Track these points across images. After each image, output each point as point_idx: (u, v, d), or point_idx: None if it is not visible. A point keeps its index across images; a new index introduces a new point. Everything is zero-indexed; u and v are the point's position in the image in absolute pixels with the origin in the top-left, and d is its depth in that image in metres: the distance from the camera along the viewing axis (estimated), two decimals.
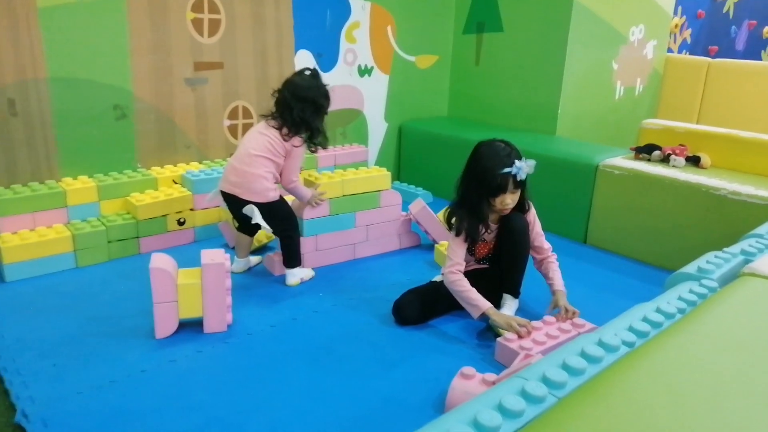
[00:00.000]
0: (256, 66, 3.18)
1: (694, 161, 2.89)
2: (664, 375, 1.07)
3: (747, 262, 1.69)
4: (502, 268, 2.14)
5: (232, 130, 3.18)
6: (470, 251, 2.13)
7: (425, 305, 2.09)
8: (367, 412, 1.60)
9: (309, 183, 2.55)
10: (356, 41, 3.59)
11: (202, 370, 1.78)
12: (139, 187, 2.74)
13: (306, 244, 2.48)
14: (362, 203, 2.63)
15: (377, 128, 3.89)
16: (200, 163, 3.05)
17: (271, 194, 2.29)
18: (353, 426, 1.54)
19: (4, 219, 2.40)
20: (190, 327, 1.98)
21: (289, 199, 2.49)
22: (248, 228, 2.41)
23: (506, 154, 1.94)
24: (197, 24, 2.92)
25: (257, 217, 2.26)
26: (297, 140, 2.31)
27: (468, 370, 1.58)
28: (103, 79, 2.69)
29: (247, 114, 3.21)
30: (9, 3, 2.39)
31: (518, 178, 1.92)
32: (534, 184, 2.08)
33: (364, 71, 3.69)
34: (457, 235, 2.04)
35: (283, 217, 2.35)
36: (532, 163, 1.95)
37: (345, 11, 3.50)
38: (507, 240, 2.09)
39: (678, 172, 2.71)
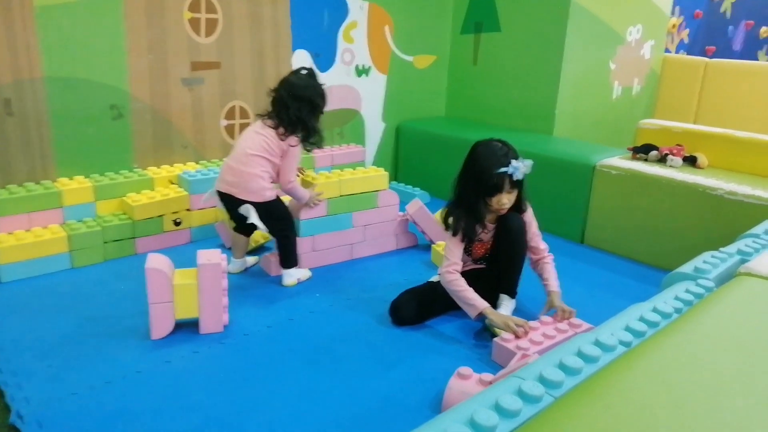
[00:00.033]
0: (254, 66, 3.18)
1: (691, 161, 2.89)
2: (660, 374, 1.07)
3: (743, 261, 1.69)
4: (499, 268, 2.14)
5: (229, 130, 3.18)
6: (467, 251, 2.12)
7: (422, 305, 2.09)
8: (364, 412, 1.60)
9: (306, 183, 2.54)
10: (354, 41, 3.59)
11: (198, 370, 1.78)
12: (136, 187, 2.73)
13: (303, 245, 2.48)
14: (359, 203, 2.63)
15: (375, 128, 3.88)
16: (197, 163, 3.04)
17: (268, 194, 2.29)
18: (350, 426, 1.54)
19: (0, 219, 2.39)
20: (186, 328, 1.97)
21: (286, 199, 2.48)
22: (245, 228, 2.41)
23: (503, 153, 1.94)
24: (194, 24, 2.91)
25: (253, 217, 2.25)
26: (293, 139, 2.31)
27: (465, 370, 1.58)
28: (99, 79, 2.68)
29: (244, 114, 3.21)
30: (5, 2, 2.38)
31: (514, 178, 1.92)
32: (531, 184, 2.08)
33: (361, 71, 3.69)
34: (454, 234, 2.04)
35: (279, 217, 2.34)
36: (528, 163, 1.95)
37: (342, 11, 3.49)
38: (504, 240, 2.08)
39: (675, 172, 2.71)
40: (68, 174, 2.68)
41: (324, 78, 3.35)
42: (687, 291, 1.48)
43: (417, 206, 2.75)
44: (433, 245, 2.69)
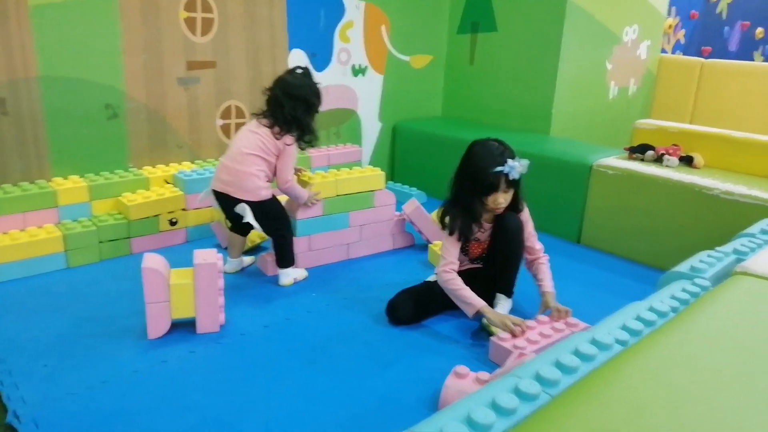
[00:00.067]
0: (249, 65, 3.17)
1: (687, 161, 2.90)
2: (656, 373, 1.07)
3: (739, 261, 1.70)
4: (496, 268, 2.14)
5: (225, 129, 3.17)
6: (464, 251, 2.12)
7: (419, 305, 2.09)
8: (361, 411, 1.59)
9: (303, 183, 2.54)
10: (350, 41, 3.59)
11: (194, 370, 1.77)
12: (131, 187, 2.72)
13: (299, 244, 2.48)
14: (356, 203, 2.63)
15: (371, 128, 3.88)
16: (192, 162, 3.04)
17: (263, 192, 2.28)
18: (348, 425, 1.54)
19: None
20: (183, 327, 1.97)
21: (282, 199, 2.48)
22: (241, 228, 2.40)
23: (499, 153, 1.94)
24: (190, 23, 2.91)
25: (249, 216, 2.25)
26: (289, 138, 2.31)
27: (462, 369, 1.58)
28: (94, 78, 2.67)
29: (239, 113, 3.20)
30: (0, 2, 2.37)
31: (510, 177, 1.92)
32: (528, 184, 2.08)
33: (358, 71, 3.69)
34: (451, 234, 2.04)
35: (275, 216, 2.34)
36: (525, 162, 1.95)
37: (339, 10, 3.49)
38: (501, 239, 2.08)
39: (671, 172, 2.72)
40: (63, 173, 2.68)
41: (320, 78, 3.35)
42: (683, 290, 1.48)
43: (414, 206, 2.75)
44: (429, 245, 2.69)
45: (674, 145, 2.99)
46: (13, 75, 2.46)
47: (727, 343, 1.19)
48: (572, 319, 1.97)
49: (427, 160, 3.73)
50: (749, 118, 4.09)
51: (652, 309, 1.36)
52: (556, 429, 0.90)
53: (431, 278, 2.21)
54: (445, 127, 3.80)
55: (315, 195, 2.47)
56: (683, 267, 1.66)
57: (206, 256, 1.94)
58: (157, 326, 1.92)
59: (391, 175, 4.00)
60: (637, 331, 1.26)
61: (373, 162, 3.89)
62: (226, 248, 2.59)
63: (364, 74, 3.72)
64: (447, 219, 2.06)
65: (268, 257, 2.45)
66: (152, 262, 1.89)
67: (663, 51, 5.28)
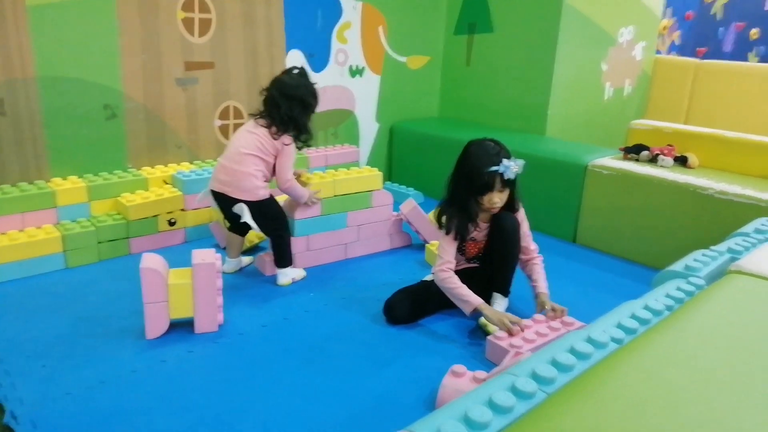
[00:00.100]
0: (247, 66, 3.18)
1: (681, 161, 2.92)
2: (651, 371, 1.08)
3: (734, 260, 1.71)
4: (492, 267, 2.15)
5: (223, 130, 3.18)
6: (460, 250, 2.14)
7: (416, 304, 2.10)
8: (359, 410, 1.60)
9: (302, 183, 2.55)
10: (347, 41, 3.60)
11: (193, 370, 1.78)
12: (130, 187, 2.73)
13: (297, 244, 2.48)
14: (353, 203, 2.64)
15: (368, 129, 3.89)
16: (191, 163, 3.04)
17: (261, 192, 2.29)
18: (345, 425, 1.55)
19: None
20: (181, 327, 1.97)
21: (280, 199, 2.49)
22: (239, 228, 2.41)
23: (495, 153, 1.95)
24: (188, 23, 2.91)
25: (246, 216, 2.26)
26: (286, 138, 2.32)
27: (459, 368, 1.59)
28: (93, 79, 2.68)
29: (238, 114, 3.21)
30: None
31: (505, 177, 1.94)
32: (524, 184, 2.10)
33: (355, 72, 3.69)
34: (447, 233, 2.05)
35: (273, 216, 2.35)
36: (520, 162, 1.96)
37: (336, 11, 3.50)
38: (498, 239, 2.10)
39: (666, 172, 2.73)
40: (62, 174, 2.68)
41: (318, 78, 3.37)
42: (678, 289, 1.50)
43: (411, 206, 2.76)
44: (426, 245, 2.70)
45: (669, 145, 3.01)
46: (10, 75, 2.46)
47: (722, 341, 1.21)
48: (568, 318, 1.99)
49: (424, 160, 3.74)
50: (743, 119, 4.11)
51: (647, 307, 1.38)
52: (553, 427, 0.92)
53: (428, 278, 2.22)
54: (441, 127, 3.82)
55: (316, 194, 2.48)
56: (678, 266, 1.68)
57: (205, 256, 1.95)
58: (155, 326, 1.92)
59: (389, 176, 4.01)
60: (632, 329, 1.28)
61: (371, 162, 3.90)
62: (224, 248, 2.59)
63: (361, 75, 3.73)
64: (444, 218, 2.07)
65: (267, 257, 2.46)
66: (151, 262, 1.89)
67: (658, 52, 5.30)
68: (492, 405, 0.98)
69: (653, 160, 2.94)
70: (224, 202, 2.31)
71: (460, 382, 1.56)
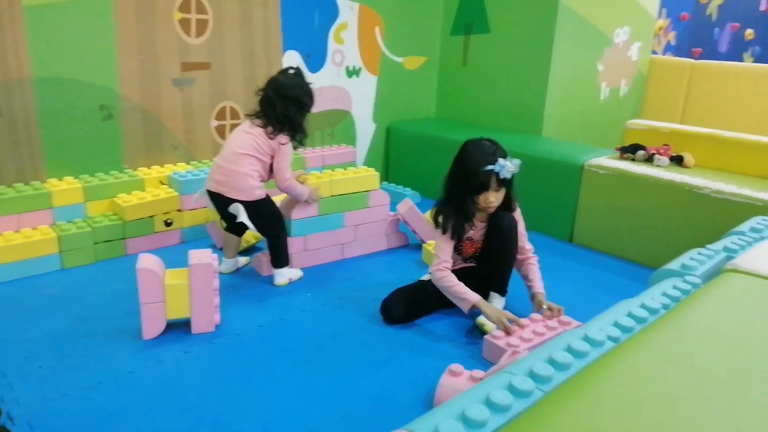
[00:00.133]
0: (244, 67, 3.18)
1: (677, 161, 2.93)
2: (648, 369, 1.08)
3: (729, 258, 1.72)
4: (490, 267, 2.15)
5: (220, 130, 3.18)
6: (457, 250, 2.14)
7: (413, 304, 2.10)
8: (356, 410, 1.60)
9: (301, 182, 2.54)
10: (344, 42, 3.60)
11: (190, 370, 1.78)
12: (126, 188, 2.72)
13: (294, 245, 2.48)
14: (351, 203, 2.64)
15: (365, 129, 3.89)
16: (187, 163, 3.04)
17: (257, 192, 2.29)
18: (343, 424, 1.55)
19: None
20: (178, 328, 1.97)
21: (277, 199, 2.49)
22: (236, 228, 2.41)
23: (491, 152, 1.96)
24: (184, 24, 2.91)
25: (242, 216, 2.25)
26: (283, 138, 2.32)
27: (456, 367, 1.59)
28: (89, 79, 2.67)
29: (234, 115, 3.21)
30: None
31: (501, 176, 1.94)
32: (521, 184, 2.10)
33: (352, 72, 3.70)
34: (444, 232, 2.06)
35: (269, 216, 2.35)
36: (516, 162, 1.96)
37: (333, 12, 3.50)
38: (495, 239, 2.10)
39: (662, 172, 2.74)
40: (58, 175, 2.67)
41: (315, 79, 3.37)
42: (674, 287, 1.50)
43: (408, 206, 2.76)
44: (423, 245, 2.70)
45: (665, 144, 3.02)
46: (6, 75, 2.45)
47: (718, 339, 1.21)
48: (565, 318, 1.99)
49: (420, 160, 3.74)
50: (739, 118, 4.13)
51: (643, 306, 1.38)
52: (550, 425, 0.92)
53: (425, 277, 2.22)
54: (438, 127, 3.82)
55: (316, 190, 2.47)
56: (674, 264, 1.69)
57: (201, 257, 1.95)
58: (152, 327, 1.92)
59: (386, 176, 4.01)
60: (628, 327, 1.28)
61: (368, 162, 3.91)
62: (221, 249, 2.59)
63: (358, 75, 3.73)
64: (440, 218, 2.07)
65: (263, 257, 2.46)
66: (147, 262, 1.89)
67: (654, 52, 5.32)
68: (489, 403, 0.98)
69: (649, 159, 2.95)
70: (220, 202, 2.31)
71: (457, 382, 1.56)
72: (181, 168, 2.95)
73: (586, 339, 1.22)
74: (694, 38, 6.58)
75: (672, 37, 6.43)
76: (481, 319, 2.03)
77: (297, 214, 2.49)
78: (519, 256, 2.17)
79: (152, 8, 2.78)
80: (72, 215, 2.59)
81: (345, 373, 1.78)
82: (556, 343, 1.21)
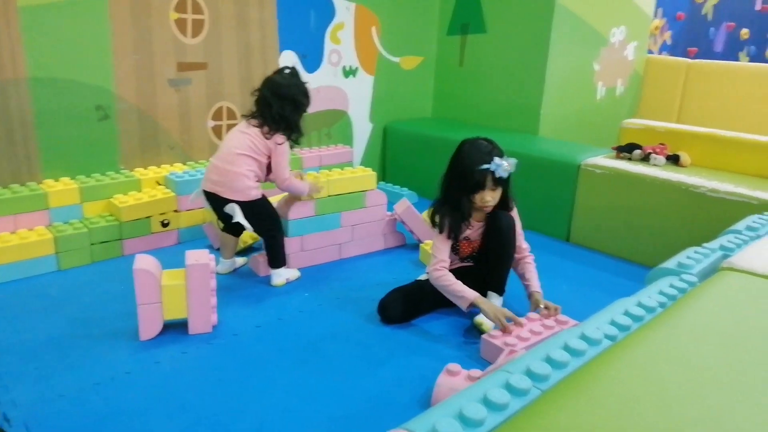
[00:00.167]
0: (240, 67, 3.17)
1: (674, 160, 2.94)
2: (645, 367, 1.09)
3: (726, 257, 1.73)
4: (488, 266, 2.15)
5: (216, 131, 3.17)
6: (454, 250, 2.14)
7: (410, 304, 2.10)
8: (354, 410, 1.60)
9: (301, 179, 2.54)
10: (341, 42, 3.60)
11: (187, 371, 1.77)
12: (122, 188, 2.72)
13: (291, 245, 2.48)
14: (347, 203, 2.64)
15: (362, 129, 3.89)
16: (184, 164, 3.03)
17: (253, 192, 2.29)
18: (340, 424, 1.54)
19: None
20: (175, 328, 1.97)
21: (275, 199, 2.48)
22: (233, 228, 2.40)
23: (487, 151, 1.96)
24: (181, 24, 2.90)
25: (238, 216, 2.25)
26: (279, 137, 2.31)
27: (453, 366, 1.59)
28: (85, 80, 2.66)
29: (231, 115, 3.20)
30: None
31: (497, 175, 1.94)
32: (517, 184, 2.10)
33: (348, 72, 3.69)
34: (441, 232, 2.06)
35: (265, 217, 2.34)
36: (512, 161, 1.96)
37: (329, 12, 3.50)
38: (493, 238, 2.10)
39: (658, 171, 2.75)
40: (54, 175, 2.66)
41: (311, 79, 3.37)
42: (671, 286, 1.51)
43: (405, 206, 2.76)
44: (421, 244, 2.70)
45: (661, 144, 3.03)
46: (1, 76, 2.44)
47: (714, 338, 1.22)
48: (562, 317, 1.99)
49: (417, 160, 3.74)
50: (734, 118, 4.14)
51: (640, 304, 1.39)
52: (547, 423, 0.92)
53: (422, 277, 2.23)
54: (435, 127, 3.82)
55: (316, 182, 2.47)
56: (671, 263, 1.69)
57: (198, 257, 1.94)
58: (149, 327, 1.91)
59: (382, 176, 4.01)
60: (625, 326, 1.28)
61: (364, 162, 3.91)
62: (217, 249, 2.59)
63: (354, 75, 3.73)
64: (437, 217, 2.07)
65: (260, 258, 2.46)
66: (144, 263, 1.88)
67: (650, 52, 5.33)
68: (487, 402, 0.98)
69: (646, 158, 2.95)
70: (216, 202, 2.31)
71: (455, 381, 1.56)
72: (178, 168, 2.94)
73: (583, 337, 1.22)
74: (689, 38, 6.60)
75: (668, 36, 6.45)
76: (480, 318, 2.03)
77: (294, 214, 2.49)
78: (516, 255, 2.17)
79: (148, 8, 2.78)
80: (68, 216, 2.58)
81: (342, 373, 1.78)
82: (554, 341, 1.21)
